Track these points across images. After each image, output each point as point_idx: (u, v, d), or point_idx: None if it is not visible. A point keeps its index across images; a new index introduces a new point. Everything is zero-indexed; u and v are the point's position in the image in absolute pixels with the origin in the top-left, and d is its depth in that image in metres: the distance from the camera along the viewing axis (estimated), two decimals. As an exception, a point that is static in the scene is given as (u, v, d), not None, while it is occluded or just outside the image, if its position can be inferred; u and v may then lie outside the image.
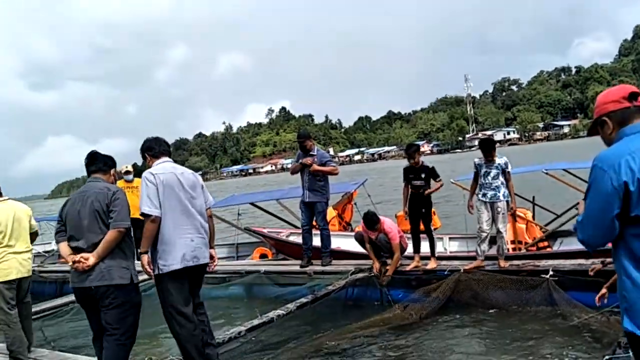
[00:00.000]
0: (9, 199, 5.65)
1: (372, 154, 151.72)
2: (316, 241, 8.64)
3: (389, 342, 6.33)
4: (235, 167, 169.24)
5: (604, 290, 4.21)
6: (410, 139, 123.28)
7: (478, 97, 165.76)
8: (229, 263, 10.65)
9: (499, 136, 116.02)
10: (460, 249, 10.03)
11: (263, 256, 10.61)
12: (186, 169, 4.86)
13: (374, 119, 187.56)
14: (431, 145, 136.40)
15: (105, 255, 4.23)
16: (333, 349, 6.16)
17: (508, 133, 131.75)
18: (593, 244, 2.33)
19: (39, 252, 12.92)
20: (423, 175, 7.62)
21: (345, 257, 8.83)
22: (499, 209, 7.09)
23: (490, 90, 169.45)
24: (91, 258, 4.19)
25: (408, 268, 7.72)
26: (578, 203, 2.56)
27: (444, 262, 7.84)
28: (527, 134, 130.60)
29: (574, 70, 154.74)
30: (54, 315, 7.62)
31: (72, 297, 7.02)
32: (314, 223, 8.61)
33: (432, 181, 7.70)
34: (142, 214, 4.43)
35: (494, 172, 7.14)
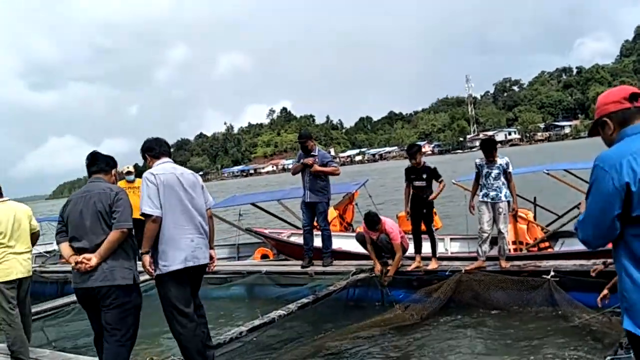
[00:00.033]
0: (9, 199, 5.66)
1: (373, 155, 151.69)
2: (317, 242, 8.64)
3: (390, 343, 6.33)
4: (236, 168, 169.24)
5: (605, 292, 4.20)
6: (411, 139, 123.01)
7: (479, 97, 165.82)
8: (230, 263, 10.65)
9: (500, 137, 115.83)
10: (462, 250, 10.02)
11: (264, 257, 10.61)
12: (186, 170, 4.86)
13: (375, 119, 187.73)
14: (432, 145, 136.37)
15: (108, 255, 4.22)
16: (334, 350, 6.16)
17: (509, 133, 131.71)
18: (593, 244, 2.34)
19: (40, 253, 12.95)
20: (424, 176, 7.61)
21: (347, 258, 8.82)
22: (500, 210, 7.09)
23: (492, 91, 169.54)
24: (94, 259, 4.17)
25: (409, 268, 7.72)
26: (580, 203, 2.57)
27: (445, 263, 7.83)
28: (528, 135, 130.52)
29: (575, 70, 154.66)
30: (55, 315, 7.62)
31: (73, 298, 7.03)
32: (315, 223, 8.61)
33: (433, 182, 7.70)
34: (143, 214, 4.43)
35: (495, 172, 7.13)
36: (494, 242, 7.53)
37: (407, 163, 7.96)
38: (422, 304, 7.08)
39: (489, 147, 7.19)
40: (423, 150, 8.16)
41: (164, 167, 4.68)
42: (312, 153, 8.37)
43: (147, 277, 4.84)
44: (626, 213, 2.18)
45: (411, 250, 7.97)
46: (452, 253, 9.81)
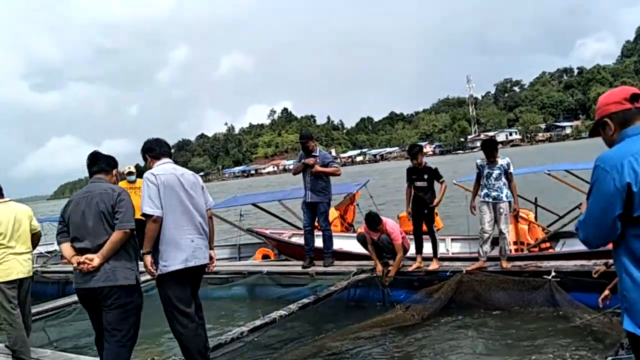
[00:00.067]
0: (10, 200, 5.68)
1: (374, 155, 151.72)
2: (318, 242, 8.64)
3: (391, 343, 6.33)
4: (237, 168, 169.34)
5: (606, 292, 4.20)
6: (412, 140, 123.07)
7: (480, 98, 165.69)
8: (231, 264, 10.66)
9: (501, 137, 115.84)
10: (463, 250, 10.02)
11: (265, 257, 10.62)
12: (186, 170, 4.87)
13: (376, 120, 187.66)
14: (433, 146, 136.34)
15: (110, 256, 4.22)
16: (335, 350, 6.16)
17: (510, 134, 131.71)
18: (594, 244, 2.35)
19: (41, 253, 12.96)
20: (426, 176, 7.62)
21: (348, 258, 8.83)
22: (502, 210, 7.09)
23: (493, 91, 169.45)
24: (96, 259, 4.17)
25: (410, 269, 7.72)
26: (581, 204, 2.58)
27: (446, 263, 7.84)
28: (529, 135, 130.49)
29: (576, 71, 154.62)
30: (56, 315, 7.62)
31: (74, 298, 7.04)
32: (316, 224, 8.61)
33: (435, 182, 7.70)
34: (144, 214, 4.43)
35: (496, 173, 7.14)
36: (495, 242, 7.53)
37: (408, 163, 7.96)
38: (423, 305, 7.08)
39: (490, 148, 7.19)
40: (424, 150, 8.16)
41: (164, 168, 4.69)
42: (313, 153, 8.37)
43: (148, 277, 4.84)
44: (627, 213, 2.19)
45: (412, 250, 7.97)
46: (453, 253, 9.81)
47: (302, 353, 6.04)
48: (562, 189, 9.76)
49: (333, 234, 8.79)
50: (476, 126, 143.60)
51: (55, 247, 11.68)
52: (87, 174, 4.68)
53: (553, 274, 6.65)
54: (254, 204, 12.16)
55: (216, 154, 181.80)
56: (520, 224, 9.16)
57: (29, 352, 5.45)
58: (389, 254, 7.89)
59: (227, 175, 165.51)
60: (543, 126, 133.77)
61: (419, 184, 7.66)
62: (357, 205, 11.64)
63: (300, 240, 9.51)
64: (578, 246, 7.70)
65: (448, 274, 7.40)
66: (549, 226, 9.91)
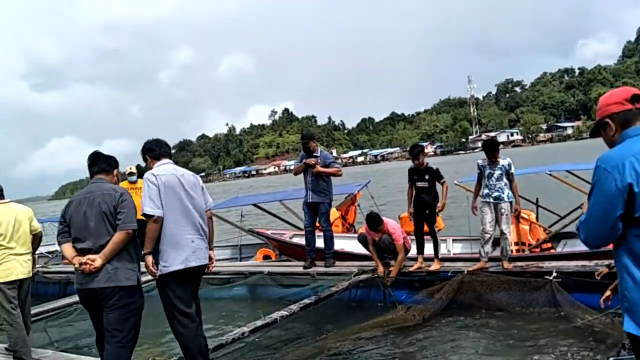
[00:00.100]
0: (10, 201, 5.70)
1: (375, 156, 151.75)
2: (319, 242, 8.64)
3: (392, 344, 6.33)
4: (238, 169, 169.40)
5: (608, 293, 4.20)
6: (414, 140, 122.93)
7: (481, 98, 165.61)
8: (232, 264, 10.67)
9: (502, 137, 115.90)
10: (464, 251, 10.02)
11: (266, 257, 10.62)
12: (186, 171, 4.88)
13: (377, 120, 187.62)
14: (434, 146, 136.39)
15: (112, 256, 4.22)
16: (336, 350, 6.16)
17: (511, 134, 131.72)
18: (595, 244, 2.36)
19: (42, 253, 12.94)
20: (427, 177, 7.61)
21: (349, 259, 8.83)
22: (503, 210, 7.09)
23: (494, 92, 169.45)
24: (98, 260, 4.16)
25: (411, 269, 7.72)
26: (582, 204, 2.58)
27: (447, 264, 7.83)
28: (530, 136, 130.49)
29: (577, 71, 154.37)
30: (57, 316, 7.63)
31: (75, 298, 7.04)
32: (317, 224, 8.61)
33: (437, 184, 7.70)
34: (145, 214, 4.43)
35: (497, 173, 7.13)
36: (496, 243, 7.53)
37: (409, 164, 7.96)
38: (424, 305, 7.08)
39: (491, 148, 7.19)
40: (425, 151, 8.16)
41: (164, 168, 4.69)
42: (314, 154, 8.37)
43: (149, 277, 4.84)
44: (628, 214, 2.20)
45: (413, 251, 7.97)
46: (454, 254, 9.81)
47: (303, 353, 6.04)
48: (564, 189, 9.76)
49: (334, 234, 8.79)
50: (477, 126, 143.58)
51: (56, 247, 11.69)
52: (88, 175, 4.67)
53: (554, 274, 6.65)
54: (255, 205, 12.17)
55: (217, 155, 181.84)
56: (521, 224, 9.16)
57: (30, 353, 5.46)
58: (390, 255, 7.89)
59: (228, 176, 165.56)
60: (544, 126, 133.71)
61: (420, 184, 7.66)
62: (359, 205, 11.65)
63: (301, 240, 9.51)
64: (579, 247, 7.70)
65: (449, 274, 7.39)
66: (550, 227, 9.91)
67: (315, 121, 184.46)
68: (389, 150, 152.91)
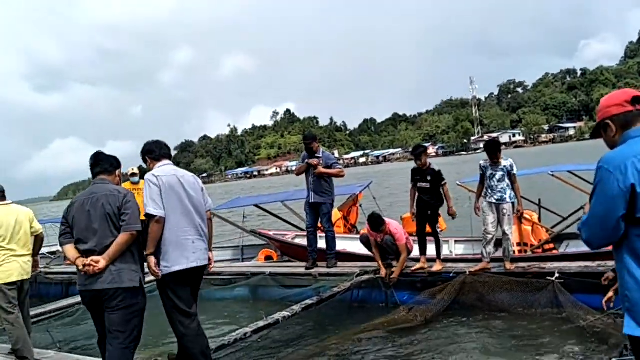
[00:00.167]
0: (12, 202, 5.71)
1: (377, 157, 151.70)
2: (321, 243, 8.64)
3: (394, 344, 6.32)
4: (240, 170, 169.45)
5: (610, 294, 4.20)
6: (416, 141, 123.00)
7: (483, 99, 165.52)
8: (234, 265, 10.69)
9: (504, 138, 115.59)
10: (466, 252, 10.02)
11: (268, 258, 10.62)
12: (186, 172, 4.89)
13: (379, 121, 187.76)
14: (436, 147, 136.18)
15: (116, 258, 4.21)
16: (338, 351, 6.16)
17: (513, 135, 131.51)
18: (597, 244, 2.37)
19: (44, 254, 12.95)
20: (429, 178, 7.60)
21: (351, 259, 8.83)
22: (505, 211, 7.08)
23: (496, 93, 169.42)
24: (102, 261, 4.15)
25: (413, 268, 7.71)
26: (585, 205, 2.58)
27: (449, 265, 7.83)
28: (532, 137, 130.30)
29: (579, 72, 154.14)
30: (59, 316, 7.64)
31: (78, 299, 7.04)
32: (319, 225, 8.61)
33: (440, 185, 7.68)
34: (147, 215, 4.44)
35: (499, 174, 7.13)
36: (498, 243, 7.53)
37: (411, 165, 7.96)
38: (426, 306, 7.08)
39: (493, 149, 7.19)
40: (428, 152, 8.15)
41: (165, 170, 4.70)
42: (316, 155, 8.37)
43: (151, 277, 4.84)
44: (630, 214, 2.20)
45: (416, 252, 7.96)
46: (456, 255, 9.81)
47: (305, 354, 6.05)
48: (566, 190, 9.75)
49: (336, 235, 8.79)
50: (479, 127, 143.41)
51: (58, 248, 11.71)
52: (90, 176, 4.65)
53: (557, 275, 6.65)
54: (256, 205, 12.17)
55: (219, 156, 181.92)
56: (524, 225, 9.14)
57: (32, 351, 5.47)
58: (392, 255, 7.89)
59: (230, 177, 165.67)
60: (546, 127, 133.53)
61: (421, 185, 7.65)
62: (361, 206, 11.64)
63: (303, 241, 9.51)
64: (582, 248, 7.69)
65: (451, 275, 7.39)
66: (552, 227, 9.90)
67: (317, 122, 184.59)
68: (391, 151, 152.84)
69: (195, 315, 4.64)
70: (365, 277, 7.76)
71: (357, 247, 8.89)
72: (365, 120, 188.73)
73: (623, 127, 2.38)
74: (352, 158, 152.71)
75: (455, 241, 10.31)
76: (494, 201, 7.12)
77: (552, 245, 9.15)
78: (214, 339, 5.80)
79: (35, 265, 5.86)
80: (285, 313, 6.48)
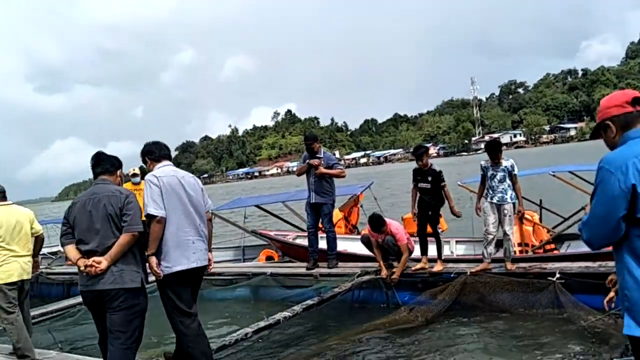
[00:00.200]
0: (13, 203, 5.73)
1: (378, 157, 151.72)
2: (322, 244, 8.64)
3: (395, 345, 6.32)
4: (241, 170, 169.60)
5: (612, 294, 4.18)
6: (417, 141, 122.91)
7: (484, 99, 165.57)
8: (235, 265, 10.70)
9: (505, 139, 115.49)
10: (467, 252, 10.01)
11: (269, 258, 10.63)
12: (186, 173, 4.91)
13: (380, 121, 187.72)
14: (437, 148, 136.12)
15: (118, 258, 4.21)
16: (339, 351, 6.17)
17: (514, 136, 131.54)
18: (597, 245, 2.38)
19: (45, 254, 12.97)
20: (430, 178, 7.60)
21: (352, 260, 8.83)
22: (506, 211, 7.08)
23: (497, 93, 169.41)
24: (104, 262, 4.15)
25: (414, 268, 7.71)
26: (586, 205, 2.58)
27: (450, 265, 7.82)
28: (533, 137, 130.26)
29: (580, 73, 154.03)
30: (61, 317, 7.65)
31: (79, 299, 7.05)
32: (320, 225, 8.61)
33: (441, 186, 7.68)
34: (148, 215, 4.44)
35: (500, 174, 7.13)
36: (499, 244, 7.53)
37: (412, 165, 7.96)
38: (427, 306, 7.08)
39: (494, 150, 7.19)
40: (429, 152, 8.15)
41: (165, 170, 4.71)
42: (317, 155, 8.37)
43: (153, 278, 4.84)
44: (631, 214, 2.21)
45: (417, 252, 7.96)
46: (457, 255, 9.81)
47: (306, 354, 6.06)
48: (567, 190, 9.75)
49: (337, 235, 8.78)
50: (480, 128, 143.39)
51: (60, 248, 11.72)
52: (91, 176, 4.65)
53: (558, 275, 6.64)
54: (257, 206, 12.18)
55: (220, 156, 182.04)
56: (524, 225, 9.14)
57: (33, 350, 5.48)
58: (393, 256, 7.89)
59: (230, 177, 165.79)
60: (547, 128, 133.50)
61: (422, 185, 7.65)
62: (361, 206, 11.63)
63: (304, 241, 9.51)
64: (583, 248, 7.68)
65: (452, 275, 7.38)
66: (553, 228, 9.89)
67: (318, 122, 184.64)
68: (392, 151, 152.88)
69: (195, 315, 4.65)
70: (366, 277, 7.76)
71: (358, 248, 8.89)
72: (366, 121, 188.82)
73: (623, 128, 2.39)
74: (353, 158, 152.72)
75: (456, 241, 10.31)
76: (495, 202, 7.12)
77: (553, 246, 9.15)
78: (215, 339, 5.81)
79: (35, 266, 5.86)
80: (286, 313, 6.48)
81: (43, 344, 6.56)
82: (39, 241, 5.84)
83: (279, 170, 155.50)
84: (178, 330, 4.60)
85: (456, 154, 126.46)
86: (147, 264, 4.47)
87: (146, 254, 4.47)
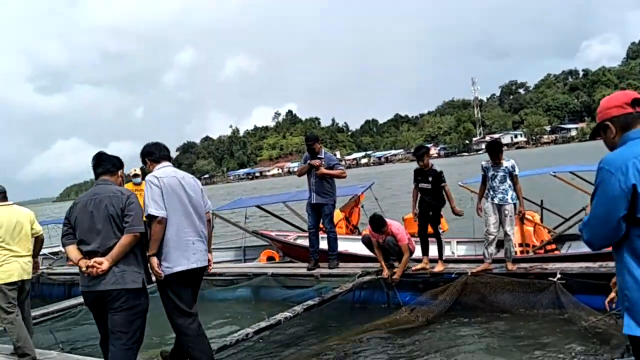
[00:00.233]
0: (13, 203, 5.73)
1: (379, 158, 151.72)
2: (323, 244, 8.64)
3: (395, 345, 6.33)
4: (242, 171, 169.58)
5: (612, 294, 4.19)
6: (417, 142, 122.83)
7: (485, 100, 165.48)
8: (236, 265, 10.70)
9: (506, 139, 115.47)
10: (468, 253, 10.01)
11: (270, 259, 10.63)
12: (186, 173, 4.91)
13: (380, 122, 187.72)
14: (438, 148, 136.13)
15: (119, 259, 4.21)
16: (340, 351, 6.17)
17: (515, 136, 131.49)
18: (598, 245, 2.38)
19: (46, 255, 12.99)
20: (430, 179, 7.60)
21: (352, 260, 8.83)
22: (506, 212, 7.08)
23: (498, 94, 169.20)
24: (105, 262, 4.14)
25: (414, 268, 7.71)
26: (587, 206, 2.59)
27: (451, 265, 7.82)
28: (534, 137, 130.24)
29: (581, 73, 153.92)
30: (62, 317, 7.66)
31: (80, 300, 7.06)
32: (321, 226, 8.61)
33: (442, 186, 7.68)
34: (149, 216, 4.43)
35: (501, 175, 7.13)
36: (500, 244, 7.53)
37: (413, 166, 7.95)
38: (428, 307, 7.09)
39: (495, 150, 7.19)
40: (430, 152, 8.14)
41: (165, 171, 4.71)
42: (318, 155, 8.37)
43: (153, 278, 4.84)
44: (631, 214, 2.21)
45: (417, 253, 7.96)
46: (458, 256, 9.80)
47: (307, 354, 6.06)
48: (568, 191, 9.74)
49: (338, 236, 8.79)
50: (481, 128, 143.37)
51: (61, 249, 11.73)
52: (92, 177, 4.64)
53: (558, 276, 6.64)
54: (258, 206, 12.18)
55: (221, 157, 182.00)
56: (525, 225, 9.14)
57: (33, 349, 5.49)
58: (394, 256, 7.89)
59: (231, 178, 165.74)
60: (548, 128, 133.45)
61: (423, 185, 7.65)
62: (362, 207, 11.64)
63: (305, 242, 9.52)
64: (584, 248, 7.67)
65: (453, 275, 7.38)
66: (554, 228, 9.88)
67: (319, 123, 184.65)
68: (393, 152, 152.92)
69: (195, 315, 4.65)
70: (367, 277, 7.76)
71: (359, 248, 8.89)
72: (367, 121, 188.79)
73: (623, 128, 2.39)
74: (354, 159, 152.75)
75: (457, 242, 10.31)
76: (496, 202, 7.12)
77: (554, 246, 9.15)
78: (216, 340, 5.82)
79: (35, 266, 5.87)
80: (287, 314, 6.48)
81: (44, 344, 6.56)
82: (39, 242, 5.85)
83: (280, 171, 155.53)
84: (178, 330, 4.61)
85: (457, 154, 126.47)
86: (149, 265, 4.48)
87: (147, 254, 4.48)
